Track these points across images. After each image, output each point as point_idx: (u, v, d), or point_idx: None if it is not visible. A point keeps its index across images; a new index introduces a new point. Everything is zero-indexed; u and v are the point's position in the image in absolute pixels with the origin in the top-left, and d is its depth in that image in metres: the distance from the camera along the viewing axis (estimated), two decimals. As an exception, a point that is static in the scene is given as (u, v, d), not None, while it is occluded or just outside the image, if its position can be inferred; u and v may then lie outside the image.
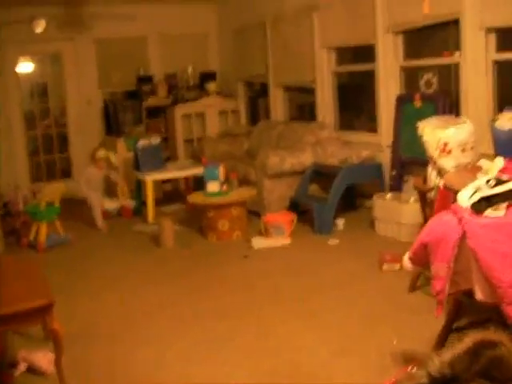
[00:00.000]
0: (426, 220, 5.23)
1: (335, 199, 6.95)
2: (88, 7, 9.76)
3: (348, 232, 6.91)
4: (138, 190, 8.27)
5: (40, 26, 9.91)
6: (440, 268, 3.16)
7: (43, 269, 4.41)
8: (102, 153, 8.05)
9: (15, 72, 10.14)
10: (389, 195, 6.85)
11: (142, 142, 8.19)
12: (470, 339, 1.08)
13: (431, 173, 5.11)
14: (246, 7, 10.15)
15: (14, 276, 4.00)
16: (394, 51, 7.24)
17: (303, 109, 9.66)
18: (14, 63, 10.11)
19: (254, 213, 7.60)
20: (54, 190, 7.37)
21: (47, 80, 10.60)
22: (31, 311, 3.47)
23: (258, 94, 10.56)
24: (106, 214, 8.22)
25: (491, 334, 1.10)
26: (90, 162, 8.27)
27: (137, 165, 8.13)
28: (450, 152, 4.90)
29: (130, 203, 8.31)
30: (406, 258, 3.58)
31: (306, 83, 8.76)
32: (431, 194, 4.96)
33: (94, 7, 9.28)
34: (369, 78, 7.77)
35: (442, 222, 3.23)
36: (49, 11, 9.78)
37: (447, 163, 4.90)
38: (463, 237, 3.07)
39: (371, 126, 7.85)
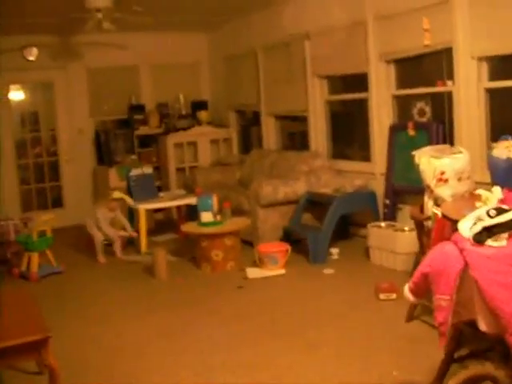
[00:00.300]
0: (422, 249, 5.22)
1: (329, 228, 6.92)
2: (80, 36, 9.74)
3: (343, 261, 6.87)
4: (130, 219, 8.20)
5: (32, 55, 9.93)
6: (442, 299, 3.12)
7: (36, 299, 4.34)
8: (117, 194, 8.00)
9: (6, 99, 10.11)
10: (383, 224, 6.83)
11: (134, 172, 8.15)
12: (463, 375, 1.06)
13: (428, 202, 5.09)
14: (237, 35, 10.19)
15: (8, 308, 3.93)
16: (387, 80, 7.25)
17: (295, 137, 9.65)
18: (6, 91, 10.07)
19: (247, 242, 7.57)
20: (45, 221, 7.30)
21: (38, 108, 10.56)
22: (27, 346, 3.40)
23: (250, 123, 10.57)
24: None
25: (489, 367, 1.07)
26: (100, 204, 8.11)
27: (129, 194, 8.09)
28: (446, 181, 4.90)
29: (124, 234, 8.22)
30: (406, 289, 3.53)
31: (299, 112, 8.76)
32: (428, 223, 4.93)
33: (86, 36, 9.25)
34: (361, 107, 7.78)
35: (443, 252, 3.19)
36: (41, 40, 9.82)
37: (444, 192, 4.90)
38: (465, 268, 3.04)
39: (364, 154, 7.84)
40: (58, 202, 10.61)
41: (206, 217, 6.97)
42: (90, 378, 4.34)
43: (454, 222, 3.95)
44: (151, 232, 8.44)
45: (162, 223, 9.62)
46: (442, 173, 4.92)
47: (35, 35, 9.72)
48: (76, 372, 4.38)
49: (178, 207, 8.73)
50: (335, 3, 7.72)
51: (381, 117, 7.33)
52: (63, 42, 10.02)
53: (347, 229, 7.77)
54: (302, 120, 8.93)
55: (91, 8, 7.53)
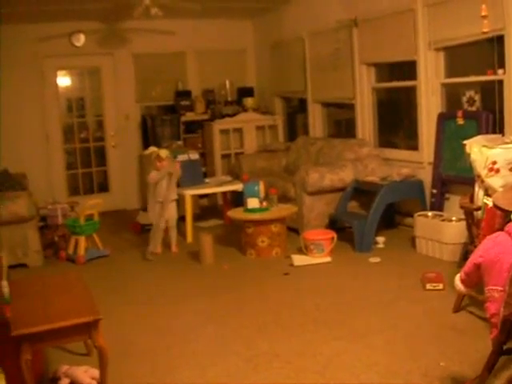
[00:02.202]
0: (472, 239, 5.17)
1: (376, 217, 6.88)
2: (127, 22, 9.82)
3: (389, 250, 6.83)
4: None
5: (80, 41, 10.02)
6: (495, 290, 3.08)
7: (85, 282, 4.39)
8: (152, 148, 7.83)
9: (55, 86, 10.23)
10: (430, 213, 6.76)
11: (180, 158, 8.19)
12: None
13: (478, 191, 5.04)
14: (284, 22, 10.15)
15: (60, 291, 4.00)
16: (436, 68, 7.16)
17: (341, 124, 9.60)
18: (54, 77, 10.20)
19: (292, 229, 7.57)
20: (92, 205, 7.39)
21: (85, 94, 10.67)
22: (79, 327, 3.46)
23: (295, 110, 10.55)
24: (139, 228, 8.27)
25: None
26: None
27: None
28: (498, 171, 4.83)
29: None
30: (457, 279, 3.50)
31: (346, 99, 8.70)
32: (478, 214, 4.88)
33: (133, 22, 9.33)
34: (409, 95, 7.70)
35: (497, 242, 3.15)
36: (88, 26, 9.91)
37: (495, 182, 4.83)
38: (519, 258, 3.00)
39: (411, 143, 7.76)
40: (103, 187, 10.73)
41: (253, 203, 6.98)
42: (137, 360, 4.38)
43: (506, 213, 3.91)
44: (196, 217, 8.48)
45: (207, 209, 9.67)
46: (494, 162, 4.85)
47: (83, 21, 9.83)
48: (123, 354, 4.44)
49: (224, 193, 8.75)
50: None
51: (429, 105, 7.24)
52: (110, 28, 10.10)
53: (393, 217, 7.72)
54: (348, 107, 8.87)
55: (140, -7, 7.57)
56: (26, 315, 3.53)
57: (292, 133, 10.56)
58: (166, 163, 7.27)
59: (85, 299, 3.78)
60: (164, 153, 7.35)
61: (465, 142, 5.27)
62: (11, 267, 6.42)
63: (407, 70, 7.56)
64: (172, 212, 7.39)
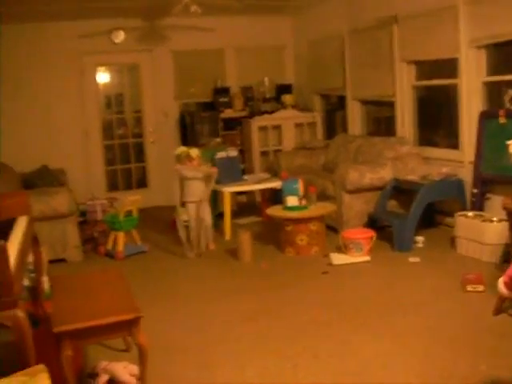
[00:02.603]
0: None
1: (415, 216, 6.81)
2: (166, 19, 9.87)
3: (428, 250, 6.77)
4: (213, 201, 8.26)
5: (119, 38, 10.08)
6: (539, 294, 3.04)
7: (126, 279, 4.41)
8: (181, 149, 7.51)
9: (94, 82, 10.32)
10: (471, 213, 6.68)
11: (219, 155, 8.20)
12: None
13: (521, 192, 4.97)
14: (323, 19, 10.11)
15: (101, 288, 4.02)
16: (477, 66, 7.07)
17: (380, 122, 9.53)
18: (93, 73, 10.29)
19: (330, 228, 7.54)
20: (132, 201, 7.43)
21: (124, 90, 10.74)
22: (119, 324, 3.47)
23: (334, 107, 10.50)
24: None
25: None
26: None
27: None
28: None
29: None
30: (500, 282, 3.45)
31: (385, 97, 8.64)
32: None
33: (172, 19, 9.36)
34: (450, 93, 7.63)
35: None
36: (128, 23, 9.97)
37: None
38: None
39: (452, 141, 7.67)
40: (142, 183, 10.80)
41: (292, 201, 6.97)
42: (175, 358, 4.40)
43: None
44: (234, 214, 8.49)
45: (245, 206, 9.67)
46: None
47: (122, 19, 9.90)
48: (162, 351, 4.46)
49: (262, 190, 8.73)
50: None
51: (470, 104, 7.16)
52: (149, 25, 10.15)
53: (433, 217, 7.64)
54: (387, 105, 8.81)
55: (180, -9, 7.58)
56: (67, 311, 3.56)
57: (331, 130, 10.51)
58: (196, 163, 7.25)
59: (125, 296, 3.80)
60: (195, 152, 7.29)
61: (508, 142, 5.20)
62: (51, 262, 6.49)
63: (448, 67, 7.48)
64: (205, 212, 7.34)
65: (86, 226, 8.08)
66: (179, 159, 7.33)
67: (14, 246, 3.51)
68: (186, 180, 7.24)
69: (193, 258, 7.12)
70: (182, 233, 7.24)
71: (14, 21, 9.15)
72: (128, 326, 3.51)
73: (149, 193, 10.27)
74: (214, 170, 7.34)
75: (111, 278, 4.26)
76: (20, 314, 2.92)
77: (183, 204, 7.32)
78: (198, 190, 7.24)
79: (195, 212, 7.23)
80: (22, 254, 3.63)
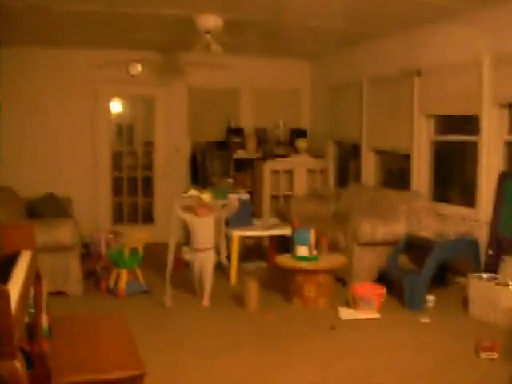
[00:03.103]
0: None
1: (428, 275, 6.63)
2: (184, 55, 9.83)
3: (439, 310, 6.56)
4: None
5: (135, 70, 10.05)
6: None
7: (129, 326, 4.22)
8: (192, 193, 7.16)
9: (107, 112, 10.25)
10: (485, 275, 6.50)
11: (230, 197, 8.05)
12: None
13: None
14: (342, 65, 10.07)
15: (105, 335, 3.84)
16: (500, 124, 6.96)
17: (392, 173, 9.41)
18: (107, 103, 10.23)
19: (339, 279, 7.36)
20: (138, 239, 7.27)
21: (136, 122, 10.68)
22: (123, 380, 3.29)
23: (348, 155, 10.38)
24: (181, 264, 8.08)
25: None
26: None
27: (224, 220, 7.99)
28: None
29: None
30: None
31: (402, 150, 8.50)
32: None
33: (191, 55, 9.30)
34: (468, 149, 7.50)
35: None
36: (146, 56, 9.97)
37: None
38: None
39: (468, 199, 7.52)
40: (148, 218, 10.66)
41: (302, 251, 6.79)
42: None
43: None
44: (240, 257, 8.30)
45: (252, 249, 9.48)
46: None
47: (140, 51, 9.88)
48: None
49: (271, 236, 8.55)
50: (449, 41, 7.50)
51: (490, 162, 7.03)
52: (167, 59, 10.13)
53: (444, 275, 7.45)
54: (401, 156, 8.68)
55: (201, 29, 7.51)
56: (68, 361, 3.37)
57: (342, 178, 10.38)
58: (207, 209, 6.82)
59: (130, 347, 3.61)
60: (207, 197, 6.92)
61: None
62: (50, 294, 6.30)
63: (468, 123, 7.35)
64: (209, 260, 6.89)
65: (89, 259, 7.94)
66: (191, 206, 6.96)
67: (15, 287, 3.32)
68: (193, 223, 6.85)
69: (196, 303, 6.88)
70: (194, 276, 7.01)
71: (31, 45, 9.16)
72: (132, 382, 3.31)
73: (154, 229, 10.10)
74: (234, 204, 7.14)
75: (115, 325, 4.07)
76: (18, 365, 2.73)
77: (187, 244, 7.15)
78: (202, 236, 6.84)
79: (198, 260, 6.89)
80: (24, 296, 3.45)
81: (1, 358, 2.71)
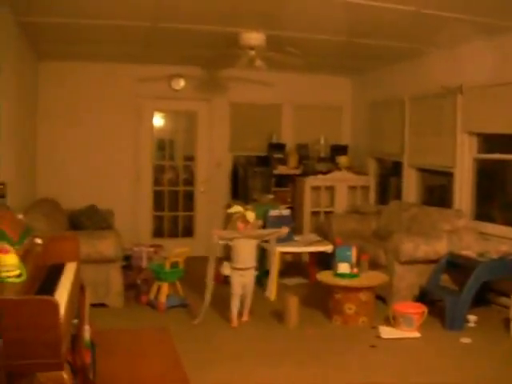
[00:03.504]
0: None
1: (470, 294, 6.56)
2: (227, 70, 9.88)
3: (480, 330, 6.48)
4: (261, 259, 8.10)
5: (179, 85, 10.15)
6: None
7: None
8: (235, 208, 6.85)
9: (150, 126, 10.36)
10: (528, 296, 6.44)
11: (273, 212, 8.07)
12: None
13: None
14: (384, 82, 10.04)
15: (148, 351, 3.87)
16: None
17: (433, 191, 9.34)
18: (150, 118, 10.34)
19: (378, 297, 7.31)
20: (180, 253, 7.32)
21: (178, 137, 10.78)
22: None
23: (389, 172, 10.33)
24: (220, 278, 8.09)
25: None
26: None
27: (265, 235, 8.00)
28: None
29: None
30: None
31: (444, 168, 8.44)
32: None
33: (233, 71, 9.35)
34: (510, 167, 7.43)
35: None
36: (189, 71, 10.08)
37: None
38: None
39: (510, 218, 7.44)
40: (188, 232, 10.72)
41: (343, 268, 6.76)
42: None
43: None
44: (280, 273, 8.29)
45: (291, 265, 9.47)
46: None
47: (183, 66, 9.98)
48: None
49: (311, 252, 8.53)
50: (490, 59, 7.43)
51: (534, 182, 6.96)
52: (210, 74, 10.20)
53: (486, 295, 7.37)
54: (442, 174, 8.63)
55: (245, 45, 7.56)
56: (112, 376, 3.40)
57: (383, 195, 10.33)
58: (250, 226, 6.68)
59: (173, 361, 3.64)
60: (251, 216, 6.67)
61: None
62: (92, 305, 6.36)
63: (509, 141, 7.30)
64: (250, 279, 6.78)
65: (130, 272, 8.02)
66: (231, 219, 6.85)
67: (62, 298, 3.38)
68: (235, 243, 6.66)
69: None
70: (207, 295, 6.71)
71: (72, 59, 9.32)
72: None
73: (194, 242, 10.14)
74: (284, 231, 7.00)
75: (158, 339, 4.11)
76: (65, 376, 2.78)
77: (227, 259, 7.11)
78: (245, 255, 6.68)
79: (239, 280, 6.72)
80: (71, 308, 3.51)
81: (49, 369, 2.76)
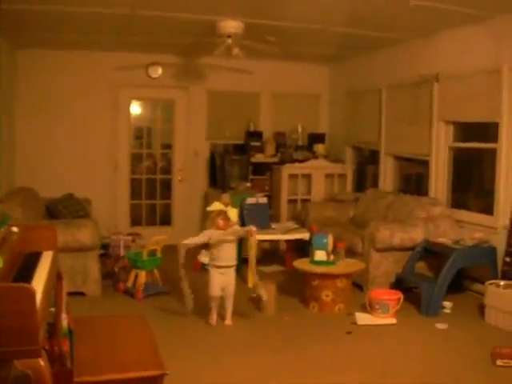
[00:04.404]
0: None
1: (445, 281, 6.63)
2: (205, 58, 9.88)
3: (456, 316, 6.56)
4: (238, 248, 8.11)
5: (156, 72, 10.12)
6: None
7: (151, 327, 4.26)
8: (217, 205, 6.29)
9: (127, 115, 10.33)
10: (502, 283, 6.50)
11: (249, 200, 8.09)
12: None
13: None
14: (361, 71, 10.09)
15: (126, 336, 3.88)
16: (519, 132, 6.96)
17: (410, 179, 9.42)
18: (127, 106, 10.31)
19: (355, 285, 7.37)
20: (157, 240, 7.33)
21: (155, 125, 10.75)
22: (144, 379, 3.33)
23: (366, 160, 10.40)
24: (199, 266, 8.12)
25: None
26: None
27: (241, 222, 8.02)
28: None
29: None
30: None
31: (420, 156, 8.51)
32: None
33: (211, 59, 9.32)
34: (487, 156, 7.50)
35: None
36: (166, 59, 10.04)
37: None
38: None
39: (485, 206, 7.52)
40: (166, 220, 10.72)
41: (320, 255, 6.81)
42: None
43: None
44: (258, 261, 8.30)
45: (268, 253, 9.51)
46: None
47: (161, 54, 9.93)
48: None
49: (288, 240, 8.57)
50: (468, 48, 7.50)
51: (509, 169, 7.01)
52: (188, 62, 10.18)
53: (461, 282, 7.46)
54: (418, 162, 8.70)
55: (222, 33, 7.57)
56: (90, 360, 3.42)
57: (360, 183, 10.40)
58: (231, 224, 6.21)
59: (151, 348, 3.66)
60: (234, 214, 6.19)
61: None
62: (69, 294, 6.35)
63: (488, 130, 7.36)
64: (231, 279, 6.36)
65: (108, 261, 8.01)
66: (210, 215, 6.39)
67: (39, 287, 3.38)
68: (215, 241, 6.23)
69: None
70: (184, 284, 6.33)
71: (49, 47, 9.28)
72: (152, 382, 3.36)
73: (172, 231, 10.15)
74: (253, 230, 6.28)
75: (136, 325, 4.12)
76: (42, 363, 2.78)
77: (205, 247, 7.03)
78: (224, 254, 6.27)
79: (218, 279, 6.28)
80: (47, 296, 3.50)
81: (26, 357, 2.77)
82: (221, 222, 6.14)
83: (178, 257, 6.19)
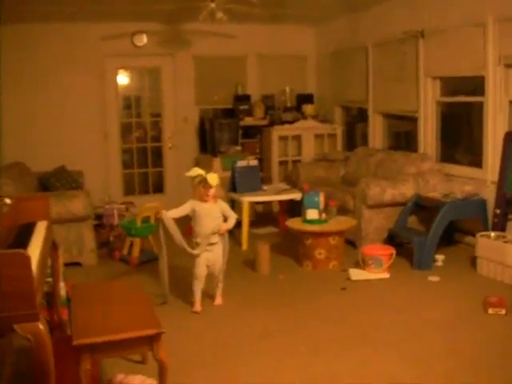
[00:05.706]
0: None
1: (436, 235, 6.72)
2: (189, 24, 9.82)
3: (448, 269, 6.66)
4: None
5: (141, 41, 10.07)
6: None
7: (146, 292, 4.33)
8: (195, 171, 5.67)
9: (115, 84, 10.31)
10: (493, 234, 6.58)
11: (240, 163, 8.13)
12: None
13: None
14: (347, 30, 10.05)
15: (122, 300, 3.95)
16: (505, 85, 6.97)
17: (400, 136, 9.46)
18: (114, 76, 10.29)
19: (348, 242, 7.45)
20: (150, 208, 7.36)
21: (144, 94, 10.72)
22: (141, 339, 3.41)
23: (355, 119, 10.42)
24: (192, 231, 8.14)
25: None
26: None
27: (233, 186, 8.08)
28: None
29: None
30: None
31: (409, 112, 8.55)
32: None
33: (196, 24, 9.29)
34: (475, 110, 7.54)
35: None
36: (151, 27, 9.97)
37: None
38: None
39: (475, 160, 7.58)
40: (159, 188, 10.76)
41: (312, 214, 6.87)
42: (193, 372, 4.34)
43: None
44: (251, 224, 8.39)
45: (262, 215, 9.58)
46: None
47: (145, 22, 9.88)
48: (179, 365, 4.36)
49: (280, 201, 8.64)
50: (453, 2, 7.50)
51: (496, 123, 7.06)
52: (172, 29, 10.12)
53: (453, 235, 7.54)
54: (408, 119, 8.74)
55: (206, -2, 7.54)
56: (87, 324, 3.48)
57: (351, 142, 10.43)
58: (213, 191, 5.56)
59: (146, 310, 3.73)
60: (214, 179, 5.51)
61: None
62: (66, 265, 6.43)
63: (475, 84, 7.39)
64: (218, 256, 5.78)
65: (102, 230, 8.06)
66: (194, 183, 5.67)
67: (34, 253, 3.44)
68: (198, 212, 5.67)
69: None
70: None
71: (32, 20, 9.17)
72: (149, 342, 3.43)
73: (165, 198, 10.17)
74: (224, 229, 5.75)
75: (132, 290, 4.19)
76: (41, 327, 2.85)
77: None
78: (205, 227, 5.64)
79: (205, 255, 5.72)
80: (43, 262, 3.57)
81: (25, 321, 2.84)
82: (202, 190, 5.54)
83: (160, 230, 5.88)
